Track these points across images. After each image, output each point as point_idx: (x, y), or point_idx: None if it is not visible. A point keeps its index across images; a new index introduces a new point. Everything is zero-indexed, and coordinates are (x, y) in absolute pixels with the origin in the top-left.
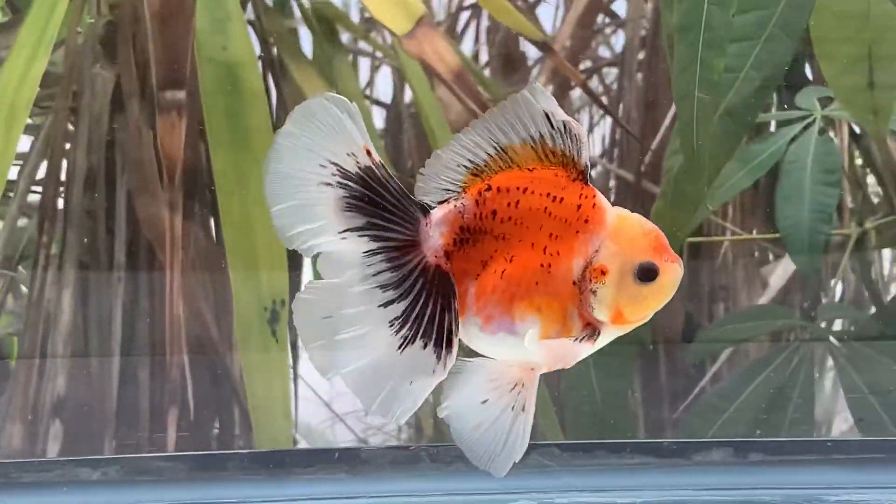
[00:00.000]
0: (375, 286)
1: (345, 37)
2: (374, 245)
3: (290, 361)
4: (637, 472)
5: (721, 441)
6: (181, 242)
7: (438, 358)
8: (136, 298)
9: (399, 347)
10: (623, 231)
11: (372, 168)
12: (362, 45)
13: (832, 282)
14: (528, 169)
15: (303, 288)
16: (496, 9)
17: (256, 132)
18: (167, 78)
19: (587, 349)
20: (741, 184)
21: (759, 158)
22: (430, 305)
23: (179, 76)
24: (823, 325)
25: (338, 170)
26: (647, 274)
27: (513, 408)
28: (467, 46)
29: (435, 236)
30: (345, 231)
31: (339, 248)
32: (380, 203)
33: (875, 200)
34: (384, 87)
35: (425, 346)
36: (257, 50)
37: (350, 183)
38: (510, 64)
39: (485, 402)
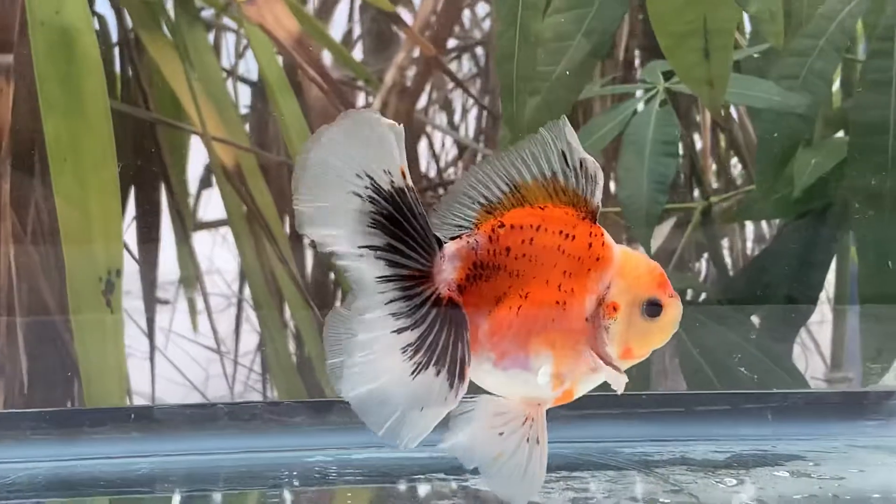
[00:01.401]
0: (388, 314)
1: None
2: (388, 271)
3: (147, 334)
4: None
5: None
6: (19, 210)
7: (451, 386)
8: None
9: (412, 373)
10: (629, 268)
11: (404, 190)
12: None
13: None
14: (540, 207)
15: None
16: None
17: (91, 98)
18: None
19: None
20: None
21: (602, 131)
22: (442, 335)
23: (7, 39)
24: None
25: (371, 183)
26: (654, 310)
27: (528, 440)
28: (340, 25)
29: (448, 270)
30: (363, 248)
31: (355, 266)
32: (403, 227)
33: (739, 182)
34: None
35: (438, 373)
36: (112, 22)
37: (380, 199)
38: (382, 41)
39: (501, 433)
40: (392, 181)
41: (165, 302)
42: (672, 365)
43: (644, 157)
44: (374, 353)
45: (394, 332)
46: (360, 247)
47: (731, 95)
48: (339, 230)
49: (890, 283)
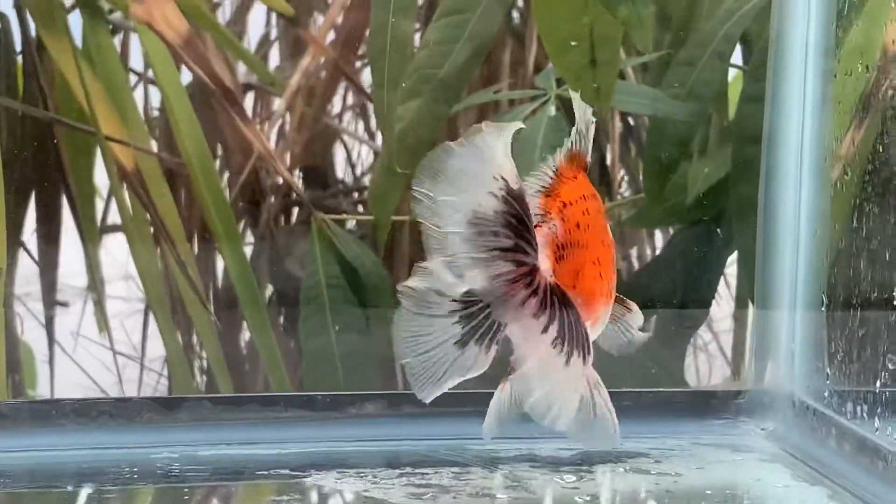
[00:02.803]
0: (527, 314)
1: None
2: (513, 271)
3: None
4: (288, 425)
5: (376, 394)
6: None
7: (584, 362)
8: None
9: (566, 363)
10: None
11: (522, 192)
12: None
13: None
14: (573, 177)
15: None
16: None
17: None
18: None
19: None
20: None
21: None
22: (566, 321)
23: None
24: None
25: (504, 185)
26: None
27: (588, 389)
28: (258, 29)
29: (542, 259)
30: (494, 250)
31: (474, 269)
32: (527, 225)
33: None
34: None
35: (579, 355)
36: (14, 19)
37: (512, 200)
38: (298, 46)
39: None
40: (513, 185)
41: (64, 304)
42: None
43: (534, 159)
44: (536, 355)
45: (541, 332)
46: (490, 249)
47: (619, 103)
48: (460, 228)
49: (764, 289)
